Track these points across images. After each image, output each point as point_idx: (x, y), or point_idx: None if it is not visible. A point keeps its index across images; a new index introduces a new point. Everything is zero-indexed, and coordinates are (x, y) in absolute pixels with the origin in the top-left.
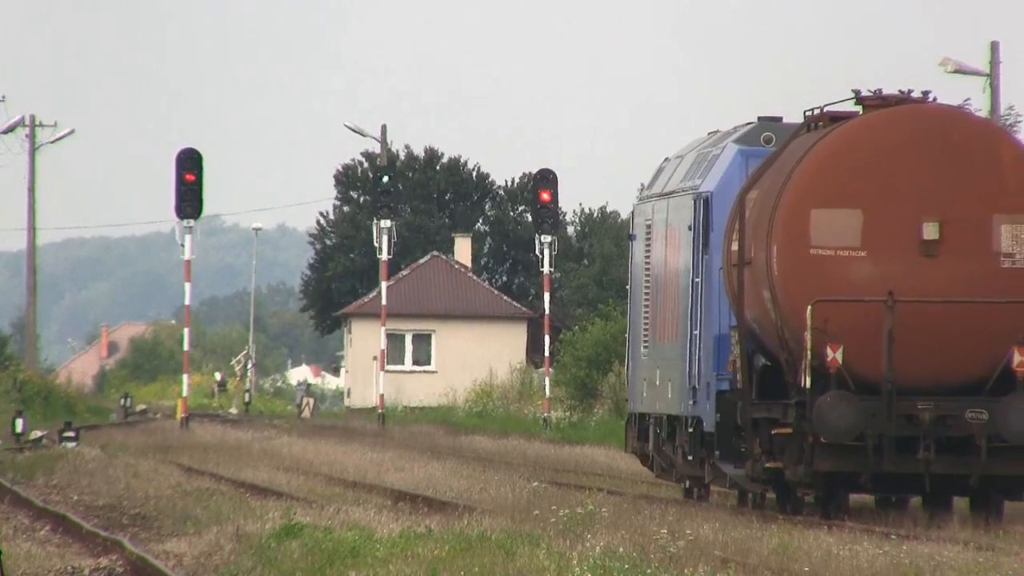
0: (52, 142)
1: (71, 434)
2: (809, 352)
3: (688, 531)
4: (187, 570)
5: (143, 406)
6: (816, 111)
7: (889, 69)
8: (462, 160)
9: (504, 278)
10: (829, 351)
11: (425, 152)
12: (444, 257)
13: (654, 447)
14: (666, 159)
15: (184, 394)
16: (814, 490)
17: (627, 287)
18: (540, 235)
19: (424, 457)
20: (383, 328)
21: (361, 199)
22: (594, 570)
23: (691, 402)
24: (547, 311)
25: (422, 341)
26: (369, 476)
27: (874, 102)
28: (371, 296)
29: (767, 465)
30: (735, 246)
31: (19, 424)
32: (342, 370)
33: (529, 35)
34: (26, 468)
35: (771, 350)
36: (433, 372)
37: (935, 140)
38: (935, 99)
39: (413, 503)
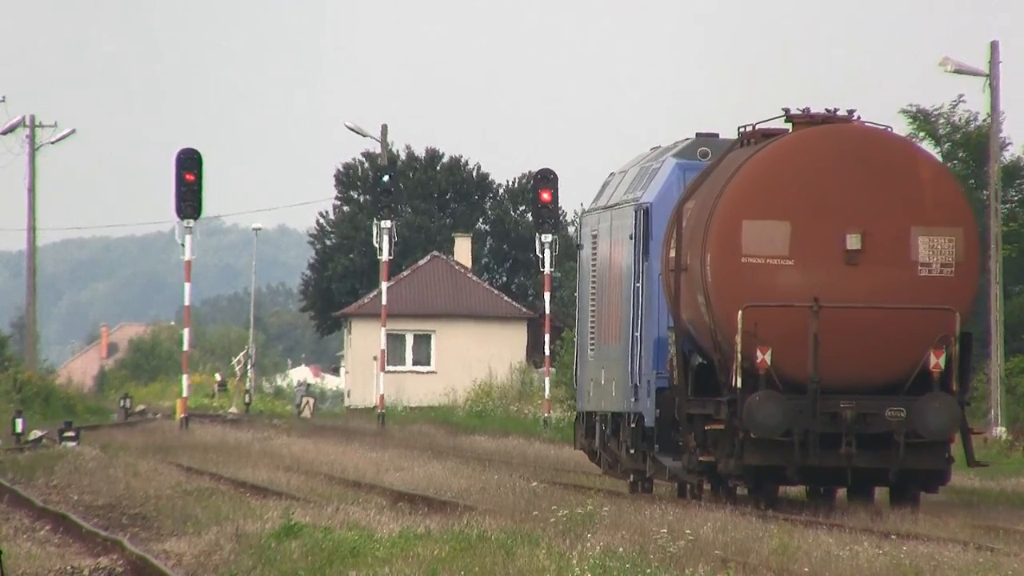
0: (52, 142)
1: (71, 434)
2: (740, 354)
3: (688, 531)
4: (187, 570)
5: (143, 406)
6: (749, 128)
7: (889, 70)
8: (462, 160)
9: (504, 278)
10: (759, 353)
11: (425, 152)
12: (444, 257)
13: (600, 443)
14: (611, 173)
15: (184, 394)
16: (744, 482)
17: (575, 294)
18: (540, 235)
19: (424, 457)
20: (383, 328)
21: (361, 199)
22: (594, 570)
23: (633, 400)
24: (547, 311)
25: (422, 341)
26: (369, 476)
27: (803, 120)
28: (371, 296)
29: (701, 458)
30: (673, 253)
31: (19, 424)
32: (342, 370)
33: (529, 35)
34: (26, 468)
35: (706, 350)
36: (433, 372)
37: (858, 157)
38: (859, 117)
39: (413, 503)
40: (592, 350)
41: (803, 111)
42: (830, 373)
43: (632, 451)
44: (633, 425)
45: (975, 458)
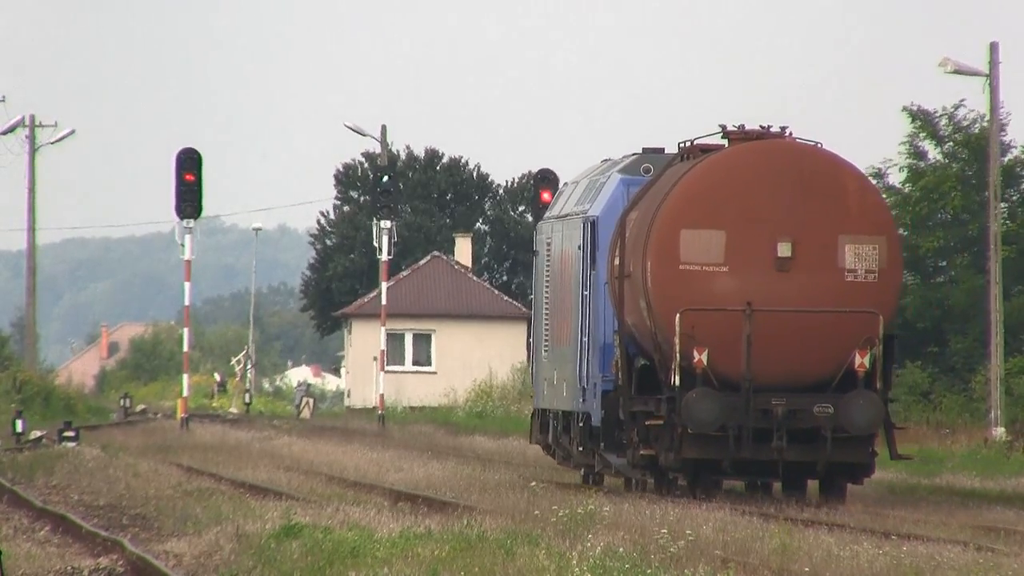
0: (52, 142)
1: (71, 434)
2: (678, 354)
3: (688, 531)
4: (187, 570)
5: (143, 406)
6: (688, 143)
7: (888, 70)
8: (462, 160)
9: (504, 278)
10: (696, 353)
11: (425, 152)
12: (444, 257)
13: (553, 439)
14: (565, 183)
15: (184, 394)
16: (684, 474)
17: (530, 298)
18: None
19: (424, 457)
20: (383, 328)
21: (361, 199)
22: (594, 570)
23: (581, 400)
24: None
25: (422, 341)
26: (369, 476)
27: (738, 136)
28: (371, 296)
29: (642, 452)
30: (617, 261)
31: (19, 424)
32: (342, 370)
33: (529, 35)
34: (26, 468)
35: (647, 351)
36: (433, 372)
37: (789, 171)
38: (791, 133)
39: (413, 503)
40: (546, 351)
41: (738, 127)
42: (762, 372)
43: (581, 448)
44: (581, 424)
45: (898, 452)
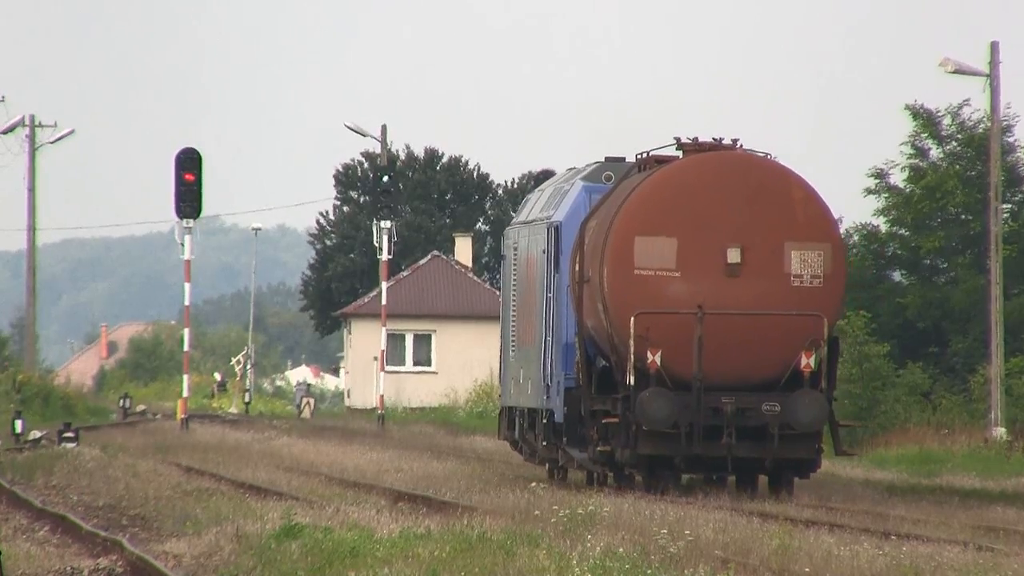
0: (52, 142)
1: (70, 434)
2: (633, 355)
3: (688, 531)
4: (187, 570)
5: (142, 406)
6: (644, 154)
7: (889, 70)
8: (462, 160)
9: None
10: (650, 354)
11: (425, 152)
12: (444, 257)
13: (520, 435)
14: (532, 190)
15: (184, 394)
16: (639, 470)
17: (499, 299)
18: None
19: (424, 457)
20: (383, 328)
21: (361, 199)
22: (594, 570)
23: (545, 397)
24: None
25: (422, 341)
26: (369, 476)
27: (691, 147)
28: (371, 296)
29: (599, 449)
30: (577, 267)
31: (18, 424)
32: (342, 370)
33: (528, 35)
34: (25, 468)
35: (606, 353)
36: (433, 372)
37: (738, 181)
38: (741, 146)
39: (413, 503)
40: (513, 351)
41: (692, 139)
42: (713, 372)
43: (546, 443)
44: (545, 420)
45: (842, 447)
